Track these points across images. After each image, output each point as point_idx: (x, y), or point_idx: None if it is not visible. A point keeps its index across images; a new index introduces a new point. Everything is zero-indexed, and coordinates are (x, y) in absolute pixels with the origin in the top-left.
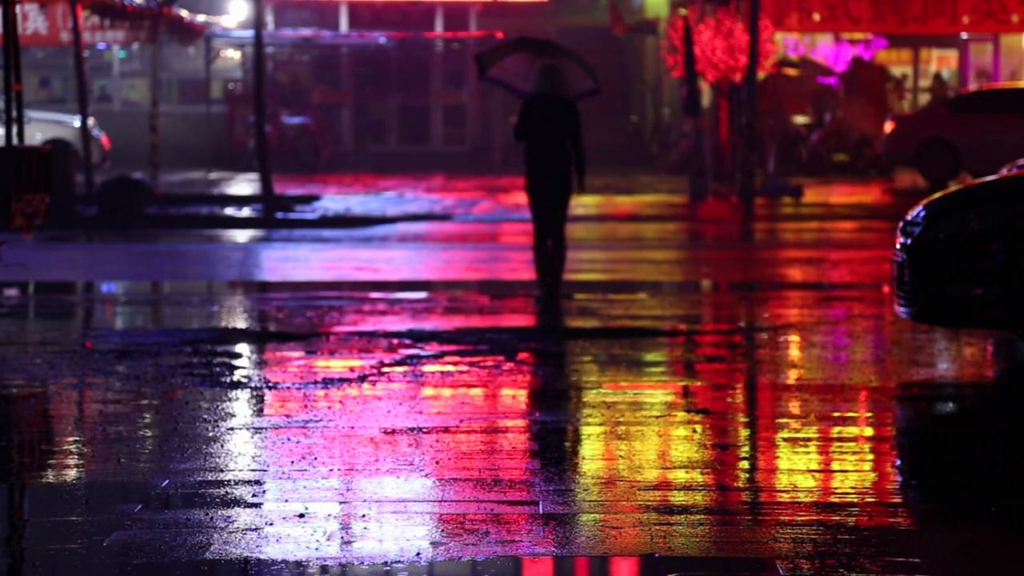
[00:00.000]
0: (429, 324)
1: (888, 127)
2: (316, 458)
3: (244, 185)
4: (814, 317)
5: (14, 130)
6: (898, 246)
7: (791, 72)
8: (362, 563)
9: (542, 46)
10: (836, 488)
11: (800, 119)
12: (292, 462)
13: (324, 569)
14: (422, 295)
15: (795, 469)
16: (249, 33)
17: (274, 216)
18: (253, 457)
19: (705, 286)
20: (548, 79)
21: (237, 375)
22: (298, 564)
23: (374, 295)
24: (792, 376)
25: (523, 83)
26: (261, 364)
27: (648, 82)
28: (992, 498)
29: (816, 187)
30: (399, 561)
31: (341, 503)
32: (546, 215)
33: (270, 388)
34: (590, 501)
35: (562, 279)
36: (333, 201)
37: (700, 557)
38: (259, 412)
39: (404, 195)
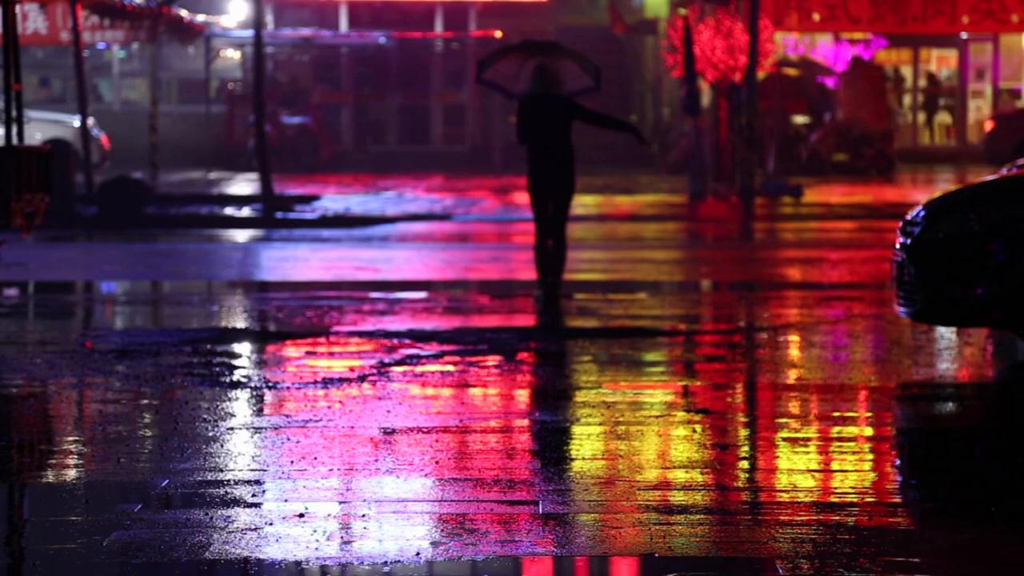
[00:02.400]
0: (429, 324)
1: (988, 126)
2: (316, 458)
3: (244, 185)
4: (814, 317)
5: (14, 130)
6: (898, 246)
7: (791, 72)
8: (362, 563)
9: (541, 47)
10: (836, 488)
11: (800, 119)
12: (292, 462)
13: (324, 569)
14: (422, 295)
15: (795, 469)
16: (249, 33)
17: (274, 216)
18: (253, 457)
19: (705, 286)
20: (539, 78)
21: (237, 375)
22: (298, 564)
23: (374, 295)
24: (792, 376)
25: (513, 84)
26: (261, 364)
27: (648, 82)
28: (992, 498)
29: (816, 187)
30: (399, 561)
31: (341, 503)
32: (547, 215)
33: (270, 388)
34: (590, 501)
35: (562, 279)
36: (333, 201)
37: (700, 557)
38: (259, 412)
39: (404, 195)
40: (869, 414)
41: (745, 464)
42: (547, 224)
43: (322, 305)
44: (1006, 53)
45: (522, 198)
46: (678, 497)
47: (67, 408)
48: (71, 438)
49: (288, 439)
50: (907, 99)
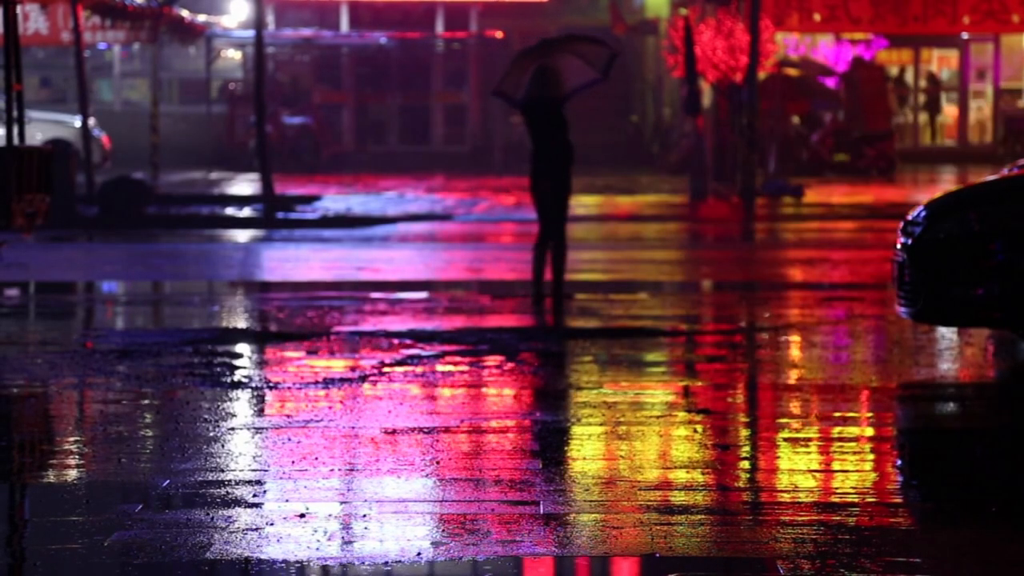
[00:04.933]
0: (430, 324)
1: None
2: (317, 458)
3: (244, 185)
4: (815, 317)
5: (15, 130)
6: (899, 246)
7: (792, 72)
8: (363, 563)
9: (552, 44)
10: (836, 488)
11: (801, 119)
12: (293, 462)
13: (325, 569)
14: (423, 295)
15: (796, 469)
16: (249, 33)
17: (275, 216)
18: (254, 457)
19: (706, 286)
20: (539, 81)
21: (238, 375)
22: (299, 564)
23: (375, 295)
24: (792, 376)
25: (516, 92)
26: (262, 364)
27: (649, 82)
28: (992, 498)
29: (817, 187)
30: (400, 561)
31: (342, 503)
32: (550, 215)
33: (271, 388)
34: (590, 501)
35: (564, 278)
36: (334, 201)
37: (701, 557)
38: (260, 412)
39: (404, 195)
40: (870, 414)
41: (746, 464)
42: (549, 226)
43: (323, 305)
44: (1007, 53)
45: (523, 198)
46: (679, 497)
47: (68, 408)
48: (72, 438)
49: (289, 439)
50: (908, 99)
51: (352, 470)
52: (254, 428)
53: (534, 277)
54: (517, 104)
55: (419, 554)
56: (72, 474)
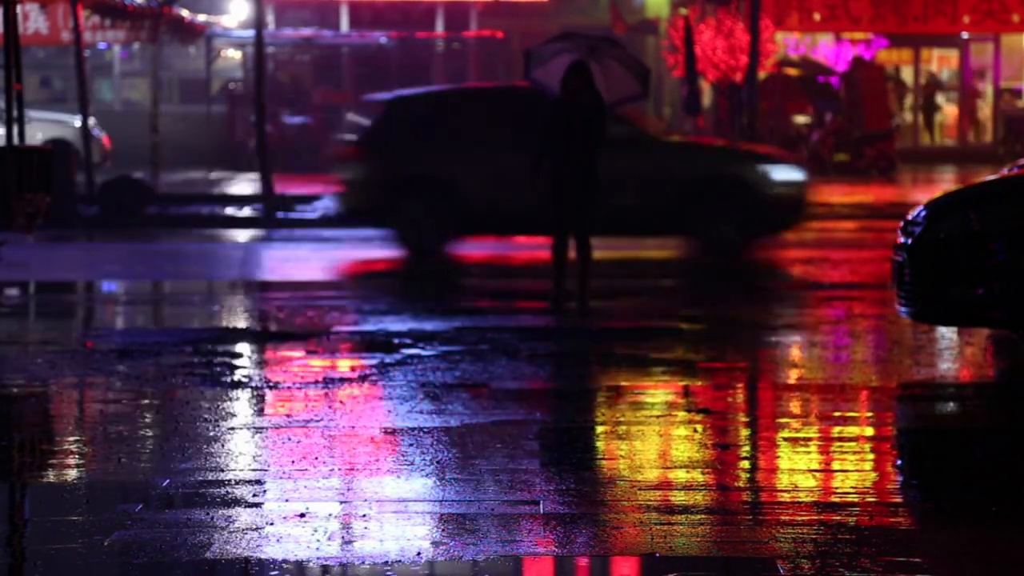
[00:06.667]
0: (430, 324)
1: None
2: (317, 458)
3: (245, 185)
4: (814, 317)
5: (15, 130)
6: (899, 246)
7: (792, 72)
8: (363, 563)
9: (593, 42)
10: (836, 488)
11: (801, 119)
12: (293, 462)
13: (325, 569)
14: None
15: (796, 469)
16: (250, 33)
17: (275, 216)
18: (254, 457)
19: (705, 286)
20: (575, 78)
21: (238, 375)
22: (299, 564)
23: (375, 295)
24: (793, 376)
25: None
26: (262, 364)
27: (649, 82)
28: (992, 498)
29: (817, 187)
30: (399, 561)
31: (342, 503)
32: (570, 216)
33: (271, 388)
34: (591, 501)
35: (589, 283)
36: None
37: (701, 557)
38: (260, 412)
39: None
40: (870, 414)
41: (746, 464)
42: (567, 224)
43: (322, 305)
44: (1007, 53)
45: None
46: (679, 497)
47: (68, 408)
48: (72, 438)
49: (289, 439)
50: (908, 99)
51: (352, 470)
52: (254, 428)
53: (554, 278)
54: (540, 83)
55: (419, 554)
56: (72, 474)
